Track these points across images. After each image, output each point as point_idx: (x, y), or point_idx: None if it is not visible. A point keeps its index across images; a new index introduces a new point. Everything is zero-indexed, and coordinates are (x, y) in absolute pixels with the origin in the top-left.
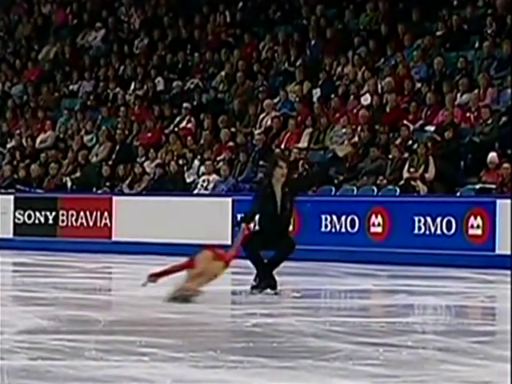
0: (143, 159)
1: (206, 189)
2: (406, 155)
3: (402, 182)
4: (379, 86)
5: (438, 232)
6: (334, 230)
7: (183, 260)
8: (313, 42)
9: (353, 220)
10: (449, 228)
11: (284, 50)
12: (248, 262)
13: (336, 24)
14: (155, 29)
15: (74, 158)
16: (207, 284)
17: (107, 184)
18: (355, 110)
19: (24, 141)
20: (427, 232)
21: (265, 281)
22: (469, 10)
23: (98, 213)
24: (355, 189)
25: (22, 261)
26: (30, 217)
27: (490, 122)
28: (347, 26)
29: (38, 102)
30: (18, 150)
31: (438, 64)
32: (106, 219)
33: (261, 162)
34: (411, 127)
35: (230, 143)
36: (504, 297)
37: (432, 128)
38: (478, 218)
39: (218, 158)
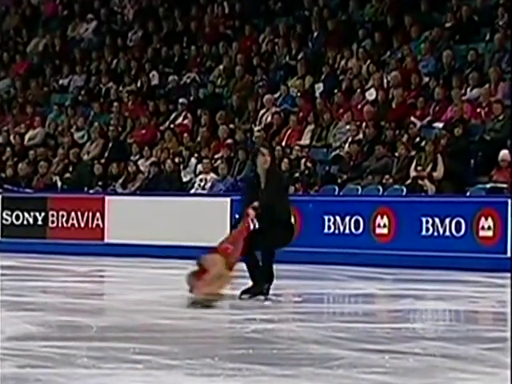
0: (137, 157)
1: (203, 188)
2: (413, 153)
3: (409, 182)
4: (385, 81)
5: (447, 233)
6: (337, 231)
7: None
8: (315, 35)
9: (357, 221)
10: (458, 229)
11: (285, 43)
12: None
13: (339, 15)
14: (150, 20)
15: (65, 156)
16: (225, 286)
17: (99, 183)
18: (360, 106)
19: (12, 138)
20: (435, 233)
21: (258, 285)
22: (479, 0)
23: (90, 213)
24: (360, 188)
25: (10, 264)
26: (18, 218)
27: (501, 118)
28: (351, 17)
29: (26, 97)
30: (6, 147)
31: (447, 57)
32: (98, 220)
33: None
34: (418, 124)
35: (229, 140)
36: None
37: (440, 124)
38: (489, 218)
39: (216, 156)
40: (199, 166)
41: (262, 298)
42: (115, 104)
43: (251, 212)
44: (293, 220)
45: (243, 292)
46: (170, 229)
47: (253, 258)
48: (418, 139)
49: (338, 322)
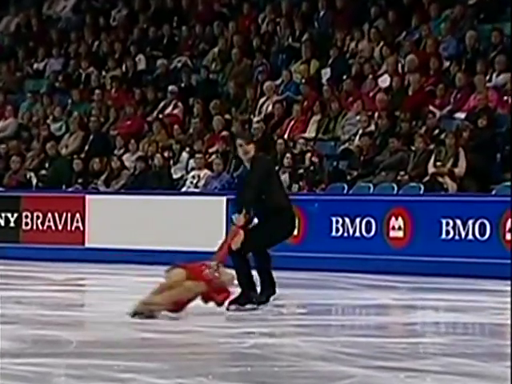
0: (122, 151)
1: (196, 186)
2: (432, 147)
3: (427, 179)
4: (400, 65)
5: (470, 237)
6: (346, 234)
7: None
8: (321, 13)
9: (369, 223)
10: (482, 232)
11: (288, 23)
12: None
13: None
14: None
15: (40, 150)
16: (178, 299)
17: (79, 181)
18: (371, 94)
19: None
20: (456, 237)
21: (245, 294)
22: None
23: (69, 215)
24: (371, 186)
25: None
26: None
27: None
28: None
29: None
30: None
31: (470, 38)
32: (77, 222)
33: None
34: (438, 114)
35: (224, 133)
36: None
37: (462, 115)
38: None
39: (210, 150)
40: (191, 162)
41: (250, 306)
42: (97, 91)
43: (240, 219)
44: (286, 205)
45: (230, 302)
46: (159, 231)
47: (242, 263)
48: (437, 131)
49: (347, 336)
